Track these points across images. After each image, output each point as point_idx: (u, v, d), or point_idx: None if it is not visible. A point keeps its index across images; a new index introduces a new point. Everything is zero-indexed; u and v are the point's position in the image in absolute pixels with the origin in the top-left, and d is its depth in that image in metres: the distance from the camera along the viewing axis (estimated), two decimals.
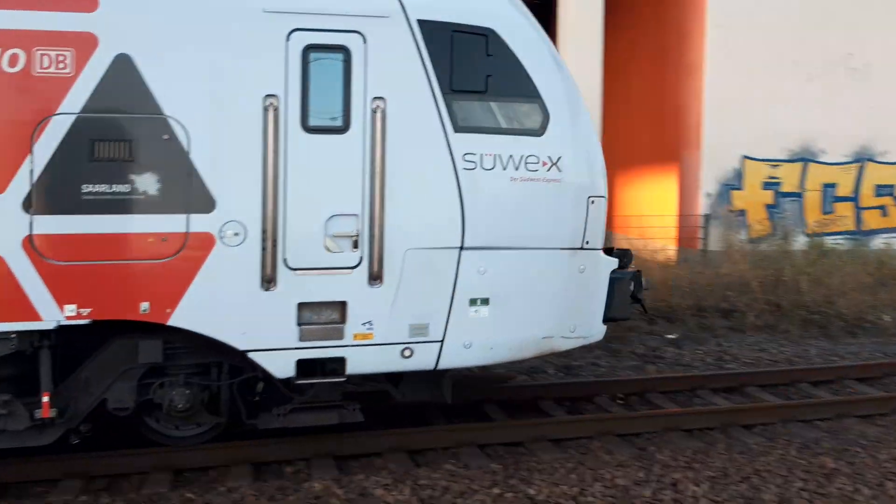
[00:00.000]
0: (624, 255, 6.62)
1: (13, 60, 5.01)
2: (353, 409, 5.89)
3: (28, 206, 5.01)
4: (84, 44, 5.10)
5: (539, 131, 5.79)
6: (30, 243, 5.03)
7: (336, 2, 5.45)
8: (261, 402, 6.04)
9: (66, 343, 5.42)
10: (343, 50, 5.42)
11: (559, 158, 5.79)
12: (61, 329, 5.16)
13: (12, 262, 5.01)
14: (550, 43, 6.00)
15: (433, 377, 6.05)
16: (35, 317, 5.07)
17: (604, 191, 6.01)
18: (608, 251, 6.53)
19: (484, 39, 5.65)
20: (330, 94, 5.42)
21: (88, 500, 5.24)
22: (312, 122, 5.40)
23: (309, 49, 5.37)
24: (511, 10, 5.85)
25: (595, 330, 6.12)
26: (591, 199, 5.92)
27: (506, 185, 5.68)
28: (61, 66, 5.09)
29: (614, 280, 6.08)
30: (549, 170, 5.76)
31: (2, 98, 4.99)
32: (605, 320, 6.11)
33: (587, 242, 5.93)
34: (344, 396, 5.98)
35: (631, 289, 6.16)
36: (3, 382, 5.25)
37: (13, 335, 5.09)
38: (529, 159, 5.72)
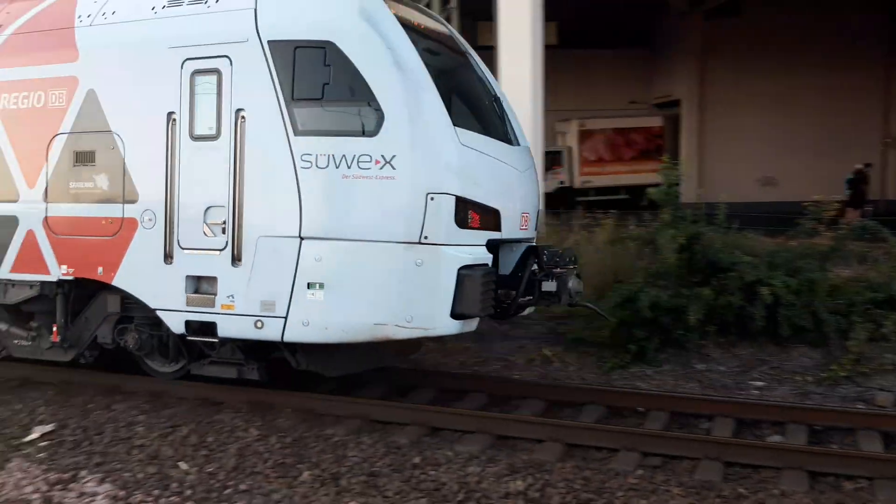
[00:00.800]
0: (556, 256, 7.14)
1: (38, 99, 7.47)
2: (251, 368, 7.06)
3: (45, 196, 7.38)
4: (72, 83, 7.29)
5: (373, 132, 6.24)
6: (45, 221, 7.37)
7: (211, 32, 6.68)
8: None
9: (77, 294, 7.49)
10: (216, 72, 6.65)
11: (393, 157, 6.19)
12: (72, 282, 7.33)
13: (38, 235, 7.39)
14: (403, 47, 6.36)
15: (321, 349, 6.83)
16: (47, 272, 7.37)
17: (452, 188, 6.27)
18: (532, 249, 7.23)
19: (322, 52, 6.32)
20: (208, 108, 6.68)
21: (644, 474, 5.76)
22: (196, 131, 6.76)
23: (195, 73, 6.74)
24: (354, 23, 6.37)
25: (439, 323, 6.30)
26: (431, 195, 6.20)
27: (338, 182, 6.25)
28: (61, 100, 7.35)
29: (463, 276, 6.23)
30: (381, 168, 6.19)
31: (33, 124, 7.47)
32: (455, 315, 6.29)
33: (426, 237, 6.22)
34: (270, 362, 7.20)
35: (481, 286, 6.27)
36: (34, 315, 7.74)
37: (36, 283, 7.47)
38: (362, 158, 6.21)
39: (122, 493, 5.49)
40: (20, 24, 7.77)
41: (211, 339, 6.83)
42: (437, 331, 6.46)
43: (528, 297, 7.13)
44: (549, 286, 7.05)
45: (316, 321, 6.35)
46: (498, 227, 6.78)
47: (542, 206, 8.47)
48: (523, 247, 7.33)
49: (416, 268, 6.22)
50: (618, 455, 6.20)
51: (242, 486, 5.59)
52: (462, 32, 12.72)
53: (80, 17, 7.41)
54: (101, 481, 5.68)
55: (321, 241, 6.33)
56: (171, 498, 5.42)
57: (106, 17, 7.27)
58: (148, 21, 7.05)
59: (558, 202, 22.27)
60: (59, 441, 6.56)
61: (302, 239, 6.34)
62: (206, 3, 6.80)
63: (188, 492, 5.52)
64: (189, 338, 6.93)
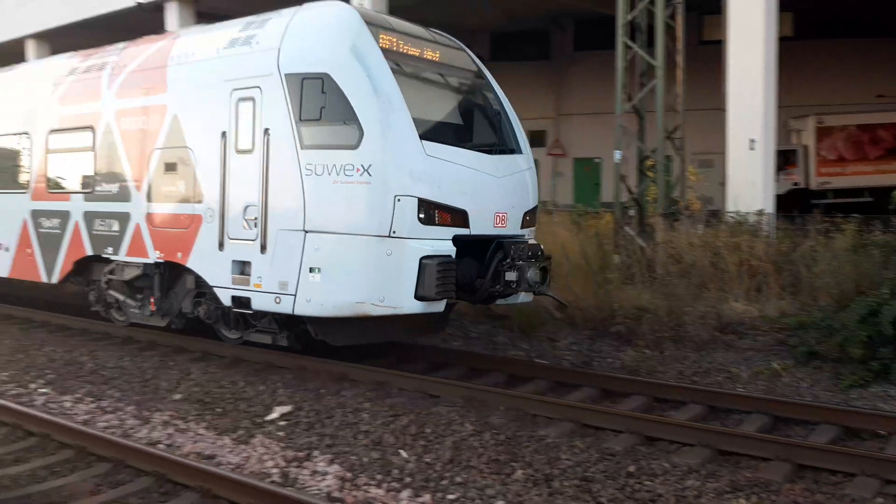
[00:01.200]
0: (521, 251, 8.20)
1: (144, 122, 9.60)
2: (282, 336, 8.67)
3: (148, 197, 9.50)
4: (163, 110, 9.36)
5: (355, 146, 7.61)
6: (147, 217, 9.51)
7: (250, 67, 8.42)
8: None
9: (168, 273, 9.54)
10: (252, 99, 8.32)
11: (370, 166, 7.56)
12: (163, 264, 9.40)
13: (142, 227, 9.55)
14: (378, 75, 7.72)
15: (329, 321, 8.16)
16: (147, 256, 9.52)
17: (415, 191, 7.56)
18: (500, 244, 8.26)
19: (321, 82, 7.78)
20: (246, 128, 8.36)
21: (884, 502, 5.41)
22: (239, 146, 8.47)
23: (239, 100, 8.46)
24: (345, 58, 7.81)
25: (405, 303, 7.56)
26: (398, 197, 7.52)
27: (330, 187, 7.71)
28: (157, 123, 9.41)
29: (424, 264, 7.45)
30: (361, 175, 7.57)
31: (141, 142, 9.62)
32: (418, 297, 7.51)
33: (394, 232, 7.53)
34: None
35: (438, 274, 7.42)
36: (142, 289, 9.90)
37: (140, 264, 9.64)
38: (347, 167, 7.63)
39: (349, 474, 5.86)
40: (135, 64, 10.04)
41: (246, 311, 8.49)
42: (403, 310, 7.62)
43: (497, 286, 8.21)
44: (511, 276, 8.12)
45: (315, 299, 7.77)
46: (466, 225, 7.95)
47: (536, 204, 9.20)
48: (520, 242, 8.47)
49: (386, 257, 7.53)
50: (854, 480, 5.68)
51: (458, 479, 5.76)
52: (687, 29, 12.20)
53: (171, 58, 9.52)
54: (331, 462, 6.11)
55: (318, 233, 7.77)
56: (392, 483, 5.69)
57: (187, 57, 9.34)
58: (212, 60, 8.98)
59: (791, 204, 20.67)
60: (295, 422, 7.14)
61: (306, 232, 7.83)
62: (250, 44, 8.55)
63: (407, 479, 5.78)
64: (233, 309, 8.66)
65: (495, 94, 9.17)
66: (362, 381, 8.30)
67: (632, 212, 13.47)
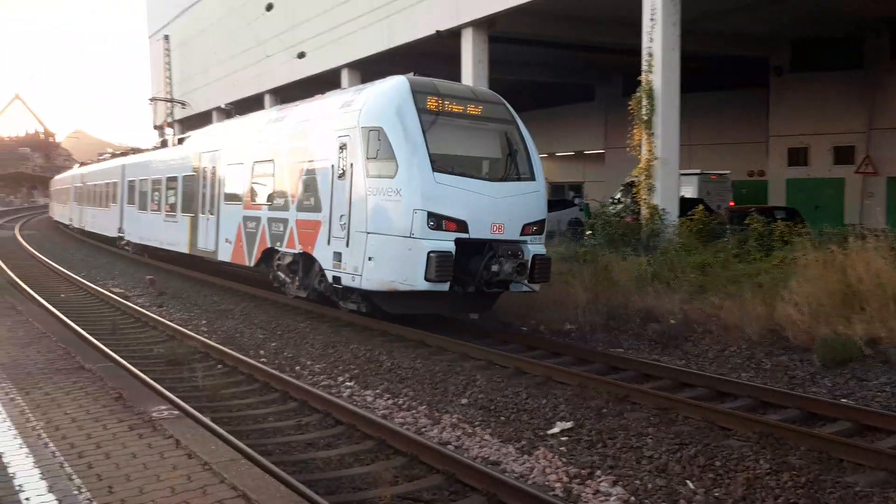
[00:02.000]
0: (504, 250, 11.19)
1: (296, 158, 13.47)
2: (361, 306, 12.17)
3: (296, 208, 13.29)
4: (305, 150, 13.26)
5: (393, 176, 10.86)
6: (296, 221, 13.28)
7: (345, 121, 11.89)
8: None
9: (305, 261, 13.39)
10: (346, 143, 11.75)
11: (400, 189, 10.79)
12: (302, 254, 13.15)
13: (294, 228, 13.30)
14: (410, 127, 10.83)
15: (384, 295, 11.44)
16: (295, 248, 13.33)
17: (426, 207, 10.59)
18: (490, 244, 11.25)
19: (378, 132, 11.11)
20: (342, 162, 11.79)
21: None
22: (338, 174, 11.91)
23: (340, 144, 11.89)
24: (391, 116, 10.99)
25: (419, 283, 10.60)
26: (415, 210, 10.60)
27: (381, 203, 11.00)
28: (303, 158, 13.25)
29: (430, 257, 10.47)
30: (395, 195, 10.82)
31: (293, 171, 13.55)
32: (426, 279, 10.55)
33: (413, 234, 10.63)
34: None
35: (437, 263, 10.45)
36: (289, 272, 13.94)
37: (292, 254, 13.54)
38: (389, 190, 10.89)
39: (632, 498, 5.73)
40: (296, 118, 14.29)
41: (338, 286, 12.13)
42: (417, 287, 10.65)
43: (486, 275, 11.12)
44: (495, 268, 11.08)
45: (370, 277, 11.13)
46: (466, 231, 10.90)
47: (542, 218, 11.89)
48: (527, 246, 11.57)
49: (408, 251, 10.65)
50: None
51: None
52: None
53: (311, 112, 13.83)
54: (614, 483, 6.01)
55: (374, 234, 11.10)
56: None
57: (320, 115, 13.30)
58: (331, 117, 12.64)
59: None
60: (577, 438, 7.14)
61: (368, 233, 11.18)
62: (349, 106, 12.09)
63: None
64: (333, 285, 12.22)
65: (520, 135, 12.07)
66: (644, 404, 8.08)
67: None
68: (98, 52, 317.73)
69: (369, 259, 11.03)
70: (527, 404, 8.17)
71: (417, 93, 11.23)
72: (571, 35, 23.62)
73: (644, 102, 16.54)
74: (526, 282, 11.38)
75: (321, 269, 12.54)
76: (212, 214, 17.20)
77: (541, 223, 11.79)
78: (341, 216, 11.70)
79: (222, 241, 16.50)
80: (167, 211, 20.76)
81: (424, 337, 11.20)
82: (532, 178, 11.80)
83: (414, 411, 8.01)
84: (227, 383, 8.95)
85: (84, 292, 17.01)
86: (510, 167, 11.85)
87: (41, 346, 8.89)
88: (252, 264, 15.22)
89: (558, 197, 33.58)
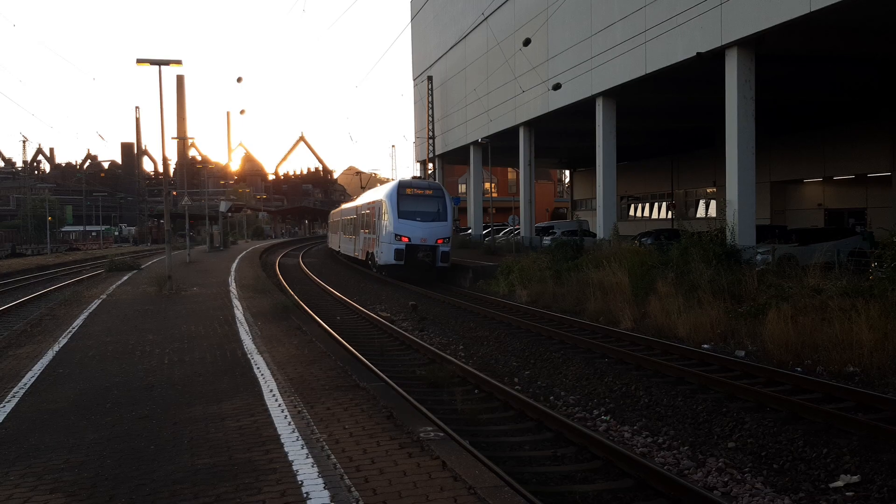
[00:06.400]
0: (426, 249, 28.86)
1: (363, 212, 35.53)
2: (381, 274, 30.94)
3: (365, 232, 34.94)
4: (379, 203, 31.10)
5: (388, 220, 28.89)
6: (364, 239, 34.96)
7: (379, 196, 31.64)
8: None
9: (370, 256, 33.29)
10: (380, 206, 30.39)
11: (386, 224, 29.07)
12: (369, 252, 33.37)
13: (364, 241, 34.70)
14: (394, 203, 28.80)
15: (387, 267, 29.83)
16: (364, 250, 35.60)
17: (395, 230, 28.45)
18: (420, 248, 29.40)
19: (384, 203, 29.56)
20: (380, 213, 30.14)
21: None
22: (379, 216, 30.48)
23: (378, 207, 30.78)
24: (389, 197, 29.21)
25: (392, 262, 28.56)
26: (391, 233, 28.62)
27: (385, 228, 29.28)
28: (366, 210, 34.68)
29: (394, 250, 28.41)
30: (387, 226, 28.96)
31: (362, 216, 35.70)
32: (395, 260, 28.47)
33: (390, 241, 28.58)
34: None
35: (395, 253, 28.54)
36: (373, 256, 33.37)
37: (368, 252, 34.22)
38: (387, 224, 28.97)
39: None
40: (361, 200, 37.71)
41: (374, 261, 31.03)
42: (391, 263, 28.51)
43: (417, 260, 28.66)
44: (419, 256, 28.31)
45: (378, 259, 29.77)
46: (410, 240, 28.31)
47: (448, 235, 29.00)
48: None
49: (388, 245, 28.56)
50: None
51: None
52: None
53: (363, 197, 38.39)
54: None
55: (380, 241, 29.55)
56: None
57: (370, 196, 34.81)
58: (374, 192, 35.08)
59: None
60: (865, 495, 6.36)
61: (381, 241, 29.50)
62: (383, 191, 31.40)
63: None
64: (374, 260, 31.22)
65: (444, 199, 29.62)
66: None
67: None
68: (371, 96, 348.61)
69: (380, 252, 28.82)
70: (804, 452, 7.45)
71: (402, 186, 29.36)
72: (852, 49, 21.54)
73: None
74: (438, 263, 28.38)
75: (373, 255, 30.78)
76: (356, 235, 37.03)
77: (447, 238, 28.59)
78: (377, 233, 29.51)
79: (359, 249, 35.24)
80: (349, 234, 39.93)
81: (683, 374, 10.66)
82: (445, 220, 28.89)
83: (675, 451, 7.64)
84: (483, 408, 9.18)
85: (356, 315, 18.50)
86: (433, 214, 28.84)
87: (323, 365, 9.75)
88: (361, 257, 34.55)
89: (835, 224, 30.50)
